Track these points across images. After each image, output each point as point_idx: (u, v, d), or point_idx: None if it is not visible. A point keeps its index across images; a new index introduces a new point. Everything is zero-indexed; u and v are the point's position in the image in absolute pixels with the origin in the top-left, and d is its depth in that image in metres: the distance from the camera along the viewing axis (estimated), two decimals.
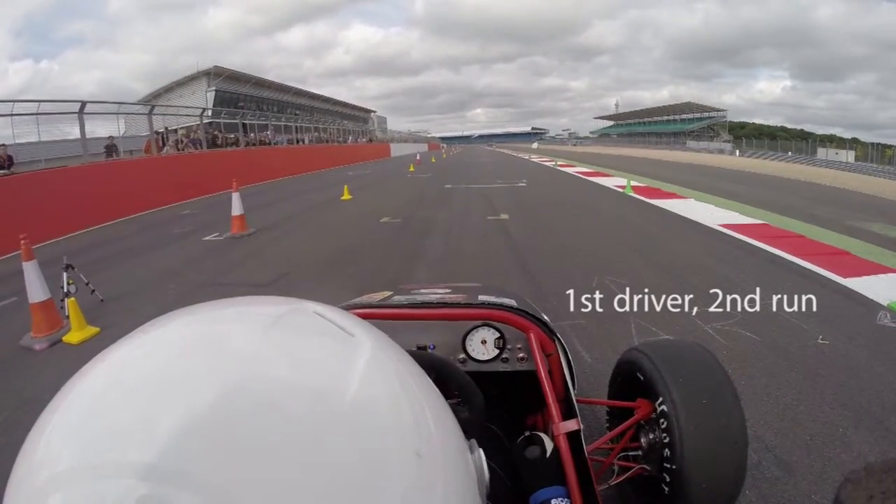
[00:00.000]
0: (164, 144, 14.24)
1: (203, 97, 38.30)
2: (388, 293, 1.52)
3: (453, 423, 0.47)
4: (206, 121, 18.34)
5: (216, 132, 16.66)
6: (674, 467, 1.19)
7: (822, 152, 40.42)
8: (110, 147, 12.14)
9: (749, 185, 13.25)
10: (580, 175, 15.44)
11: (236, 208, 6.55)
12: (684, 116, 79.89)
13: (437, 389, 0.49)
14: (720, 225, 6.50)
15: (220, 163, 14.14)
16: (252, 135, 18.67)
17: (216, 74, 40.08)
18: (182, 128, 16.27)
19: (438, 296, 1.42)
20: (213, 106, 34.76)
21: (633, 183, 11.13)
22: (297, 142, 21.74)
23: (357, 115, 74.46)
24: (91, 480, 0.30)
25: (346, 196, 10.34)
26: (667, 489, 1.21)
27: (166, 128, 15.44)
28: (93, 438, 0.33)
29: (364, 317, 0.55)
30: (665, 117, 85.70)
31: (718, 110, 77.72)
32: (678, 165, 24.39)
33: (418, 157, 24.89)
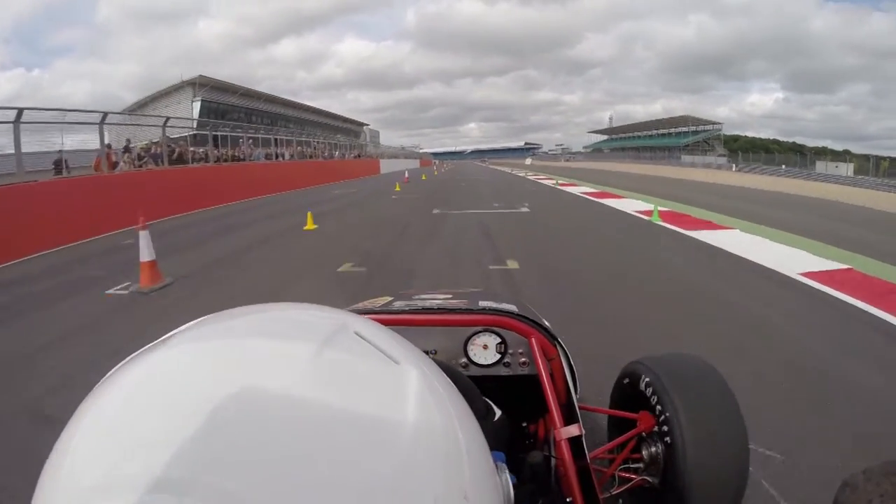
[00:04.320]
0: (118, 160, 12.52)
1: (188, 108, 36.80)
2: (388, 298, 1.51)
3: (487, 451, 0.45)
4: (180, 134, 16.96)
5: (179, 146, 14.88)
6: (675, 480, 1.18)
7: (820, 166, 39.67)
8: (59, 162, 10.39)
9: (780, 209, 11.76)
10: (588, 197, 13.88)
11: (144, 253, 4.75)
12: (679, 130, 79.20)
13: (472, 413, 0.46)
14: (800, 273, 4.88)
15: (182, 181, 12.48)
16: (225, 150, 16.97)
17: (201, 84, 38.46)
18: (151, 142, 14.61)
19: (439, 301, 1.42)
20: (199, 117, 33.23)
21: (658, 208, 9.49)
22: (277, 157, 20.07)
23: (350, 128, 73.04)
24: (113, 496, 0.30)
25: (310, 225, 8.44)
26: (668, 502, 1.20)
27: (128, 140, 13.80)
28: (115, 454, 0.32)
29: None
30: (659, 131, 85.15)
31: (714, 123, 77.16)
32: (682, 183, 23.25)
33: (406, 176, 23.12)
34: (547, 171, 36.24)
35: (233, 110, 43.43)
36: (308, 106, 65.32)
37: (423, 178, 25.49)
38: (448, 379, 0.47)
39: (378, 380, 0.39)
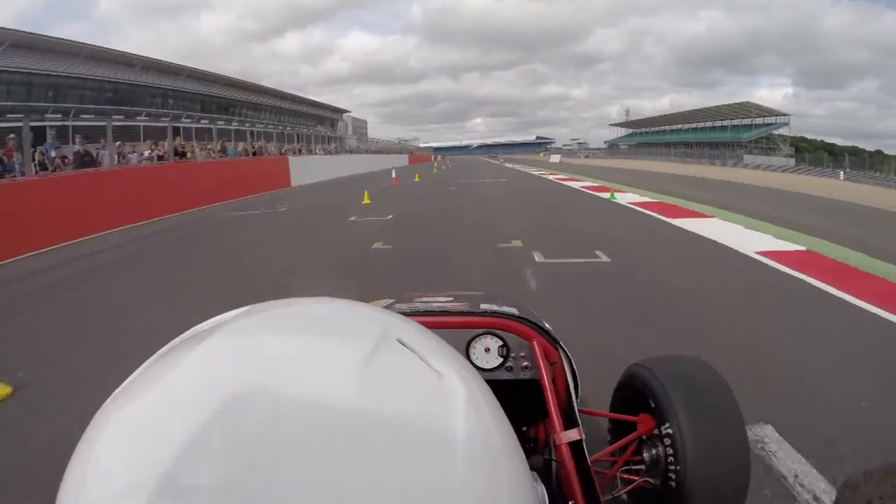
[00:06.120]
0: None
1: None
2: (390, 301, 1.50)
3: (525, 462, 0.44)
4: None
5: None
6: (677, 482, 1.18)
7: None
8: None
9: None
10: None
11: None
12: (735, 123, 63.42)
13: (507, 421, 0.45)
14: None
15: None
16: None
17: None
18: None
19: (441, 304, 1.41)
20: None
21: None
22: None
23: (322, 114, 57.46)
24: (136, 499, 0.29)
25: None
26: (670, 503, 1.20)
27: None
28: (141, 456, 0.31)
29: None
30: (704, 124, 69.34)
31: (779, 114, 60.97)
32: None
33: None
34: (593, 175, 18.90)
35: (64, 85, 25.69)
36: (233, 79, 42.24)
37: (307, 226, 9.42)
38: (485, 384, 0.46)
39: (426, 399, 0.38)
